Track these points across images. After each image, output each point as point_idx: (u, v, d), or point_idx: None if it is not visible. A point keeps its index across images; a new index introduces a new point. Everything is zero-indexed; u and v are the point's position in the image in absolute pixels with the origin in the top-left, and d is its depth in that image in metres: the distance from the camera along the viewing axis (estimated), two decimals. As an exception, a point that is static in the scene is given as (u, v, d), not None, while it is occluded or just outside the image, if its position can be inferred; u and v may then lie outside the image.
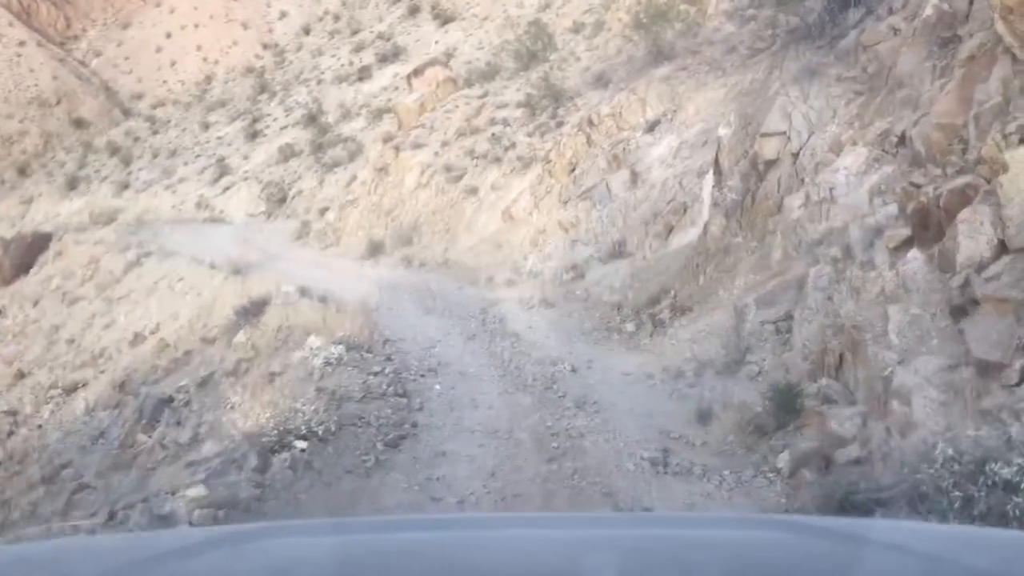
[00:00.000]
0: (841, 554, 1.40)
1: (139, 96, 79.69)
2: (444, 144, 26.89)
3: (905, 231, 9.95)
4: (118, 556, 1.50)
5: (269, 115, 60.83)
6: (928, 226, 9.62)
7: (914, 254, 9.64)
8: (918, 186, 10.13)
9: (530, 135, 25.73)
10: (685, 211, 18.05)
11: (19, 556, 1.59)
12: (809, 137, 14.56)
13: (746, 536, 1.57)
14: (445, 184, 25.53)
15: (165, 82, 79.58)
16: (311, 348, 12.71)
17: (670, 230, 18.14)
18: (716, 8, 23.91)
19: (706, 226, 16.23)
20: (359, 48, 62.56)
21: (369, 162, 29.05)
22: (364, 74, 57.68)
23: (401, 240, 25.17)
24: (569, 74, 28.05)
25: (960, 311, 8.41)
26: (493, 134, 26.39)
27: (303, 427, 9.00)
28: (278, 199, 44.66)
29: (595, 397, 11.62)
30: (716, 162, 17.37)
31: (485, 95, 28.87)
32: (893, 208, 10.63)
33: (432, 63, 30.67)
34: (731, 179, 15.99)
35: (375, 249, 25.40)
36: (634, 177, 20.11)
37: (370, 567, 1.40)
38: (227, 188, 50.75)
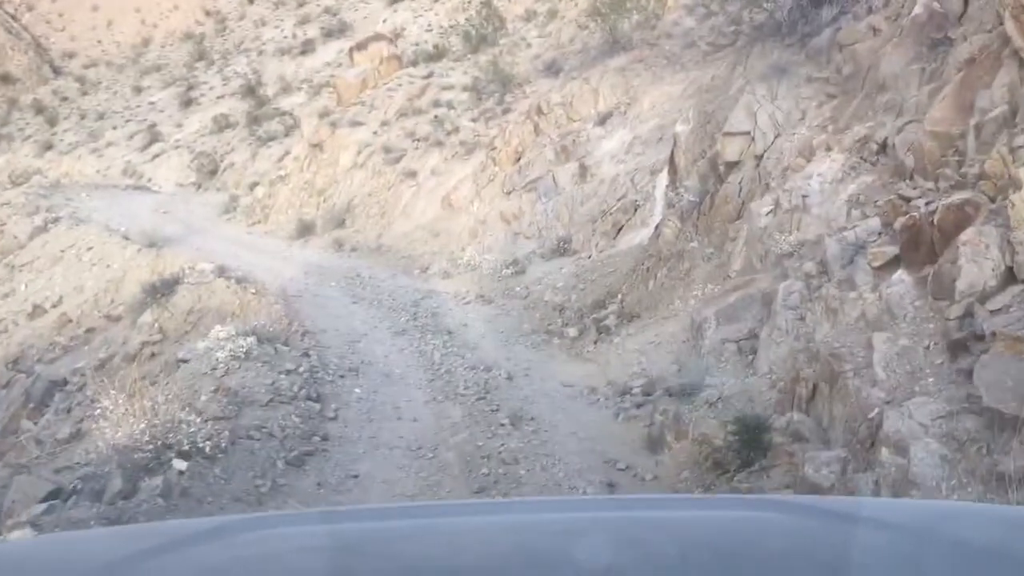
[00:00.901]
0: (834, 532, 1.37)
1: (71, 55, 75.93)
2: (384, 124, 25.26)
3: (891, 249, 8.77)
4: (112, 549, 1.46)
5: (205, 83, 58.19)
6: (919, 245, 8.45)
7: (901, 276, 8.46)
8: (907, 199, 8.96)
9: (475, 120, 24.25)
10: (636, 210, 16.80)
11: (10, 551, 1.59)
12: (775, 139, 13.39)
13: (739, 516, 1.53)
14: (383, 165, 23.92)
15: (99, 42, 75.98)
16: (217, 338, 11.11)
17: (619, 229, 16.87)
18: (676, 1, 22.69)
19: (658, 228, 14.99)
20: (304, 21, 60.22)
21: (304, 137, 27.29)
22: (307, 48, 55.43)
23: (333, 222, 23.51)
24: (519, 60, 26.63)
25: (960, 347, 7.23)
26: (436, 116, 24.85)
27: (187, 441, 7.45)
28: (209, 170, 42.48)
29: (532, 412, 10.27)
30: (671, 160, 16.15)
31: (430, 75, 27.28)
32: (875, 222, 9.45)
33: (377, 38, 28.96)
34: (688, 179, 14.77)
35: (305, 229, 23.69)
36: (583, 171, 18.81)
37: (362, 555, 1.35)
38: (157, 156, 48.30)
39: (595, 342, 13.27)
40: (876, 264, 8.77)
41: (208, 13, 73.15)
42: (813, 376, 8.31)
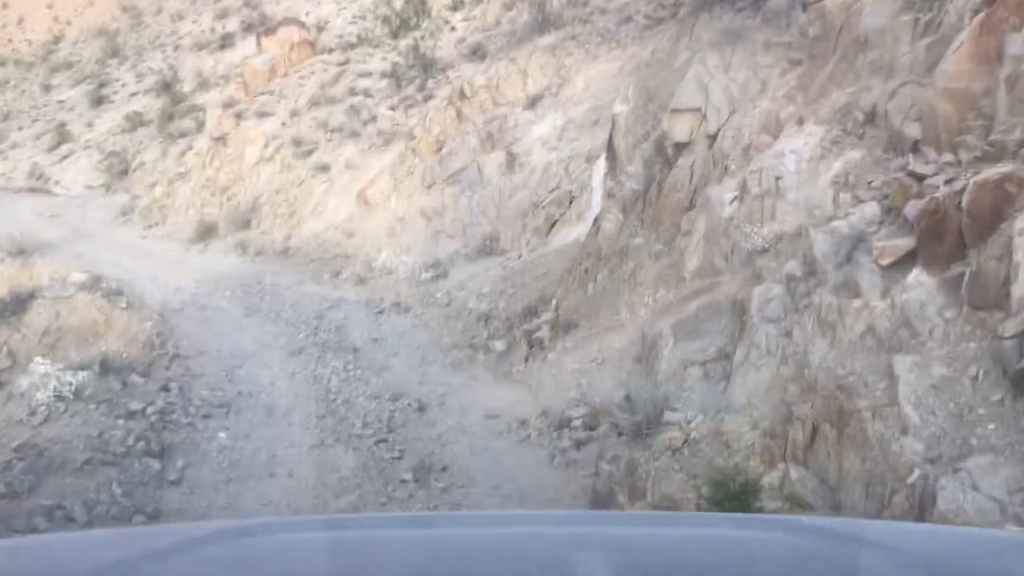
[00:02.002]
0: (839, 554, 1.34)
1: (-21, 53, 70.92)
2: (294, 114, 22.62)
3: (903, 242, 6.58)
4: (113, 551, 1.43)
5: (118, 80, 54.46)
6: (941, 236, 6.27)
7: (919, 276, 6.27)
8: (919, 177, 6.78)
9: (394, 108, 21.74)
10: (571, 202, 14.52)
11: (12, 550, 1.55)
12: (731, 115, 11.21)
13: (743, 535, 1.49)
14: (292, 159, 21.29)
15: (10, 40, 71.40)
16: (39, 374, 8.50)
17: (552, 224, 14.57)
18: (609, -25, 20.44)
19: (597, 222, 12.73)
20: (223, 15, 56.72)
21: (206, 131, 24.52)
22: (226, 42, 51.99)
23: (237, 222, 20.80)
24: (442, 44, 24.17)
25: (1028, 379, 5.05)
26: (352, 105, 22.28)
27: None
28: (119, 171, 39.20)
29: (445, 458, 7.92)
30: (610, 145, 13.89)
31: (346, 62, 24.69)
32: (872, 208, 7.26)
33: (287, 22, 26.21)
34: (630, 165, 12.51)
35: (206, 232, 20.94)
36: (511, 159, 16.47)
37: (364, 563, 1.35)
38: (65, 157, 44.74)
39: (526, 359, 10.96)
40: (885, 262, 6.58)
41: (124, 9, 69.23)
42: (811, 414, 6.07)
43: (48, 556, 1.45)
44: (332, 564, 1.35)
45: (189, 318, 13.43)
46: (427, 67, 22.69)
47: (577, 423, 8.53)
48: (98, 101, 51.63)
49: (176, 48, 54.82)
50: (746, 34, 11.90)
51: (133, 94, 50.81)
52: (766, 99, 10.65)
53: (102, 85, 54.18)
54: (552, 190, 14.96)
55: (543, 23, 19.53)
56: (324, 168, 20.65)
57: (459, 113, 18.41)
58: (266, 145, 22.06)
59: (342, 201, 19.56)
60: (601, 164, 14.22)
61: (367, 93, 22.82)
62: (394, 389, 10.04)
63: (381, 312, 14.28)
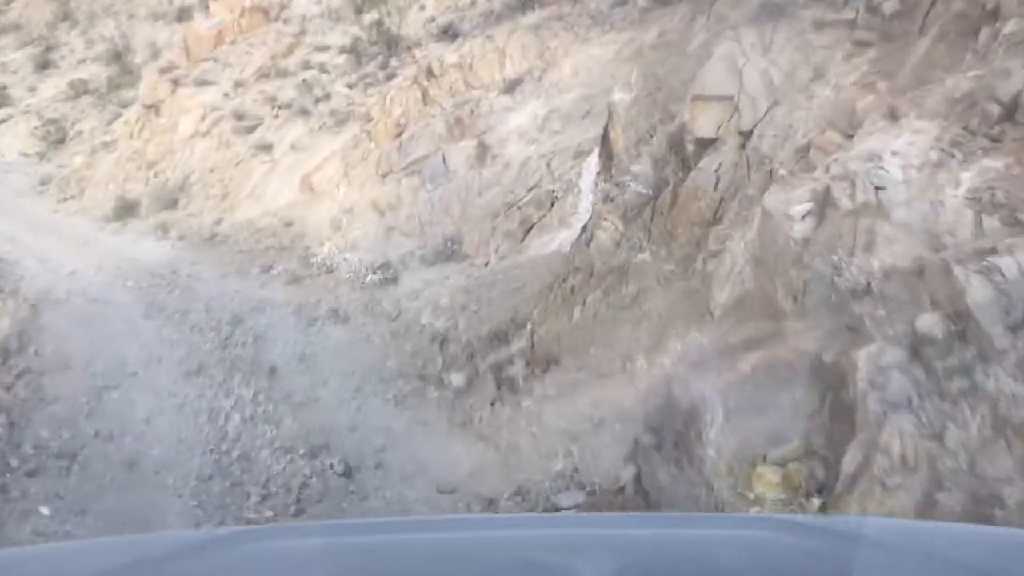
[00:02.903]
0: (837, 552, 1.30)
1: (-75, 8, 65.90)
2: (239, 85, 19.49)
3: None
4: (107, 560, 1.39)
5: (67, 45, 50.13)
6: None
7: None
8: None
9: (351, 86, 18.73)
10: (553, 205, 11.71)
11: (11, 559, 1.49)
12: (772, 107, 8.51)
13: (741, 535, 1.47)
14: (232, 135, 18.16)
15: (-41, -2, 66.23)
16: None
17: (528, 229, 11.75)
18: (601, -44, 17.68)
19: (588, 229, 9.95)
20: (183, -14, 52.69)
21: (138, 98, 21.27)
22: (183, 15, 47.94)
23: (162, 201, 17.62)
24: (410, 21, 21.19)
25: None
26: (304, 80, 19.21)
27: None
28: (56, 139, 35.48)
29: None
30: (605, 140, 11.14)
31: (302, 33, 21.61)
32: (1050, 241, 4.58)
33: (239, -17, 23.04)
34: (636, 163, 9.75)
35: (126, 209, 17.72)
36: (483, 151, 13.61)
37: (359, 569, 1.32)
38: (2, 121, 40.79)
39: (492, 403, 8.14)
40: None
41: (82, -26, 64.85)
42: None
43: (43, 566, 1.37)
44: (327, 570, 1.27)
45: (71, 314, 10.37)
46: (391, 44, 19.72)
47: (570, 512, 5.70)
48: (43, 66, 47.43)
49: (131, 17, 50.86)
50: (790, 10, 9.22)
51: (81, 61, 46.68)
52: (827, 87, 7.96)
53: (49, 49, 49.92)
54: (530, 189, 12.15)
55: (526, 2, 16.71)
56: (266, 147, 17.58)
57: (425, 94, 15.51)
58: (203, 117, 18.89)
59: (283, 186, 16.52)
60: (592, 162, 11.45)
61: (323, 68, 19.76)
62: (315, 437, 7.17)
63: (314, 321, 11.34)
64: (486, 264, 11.70)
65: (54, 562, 1.44)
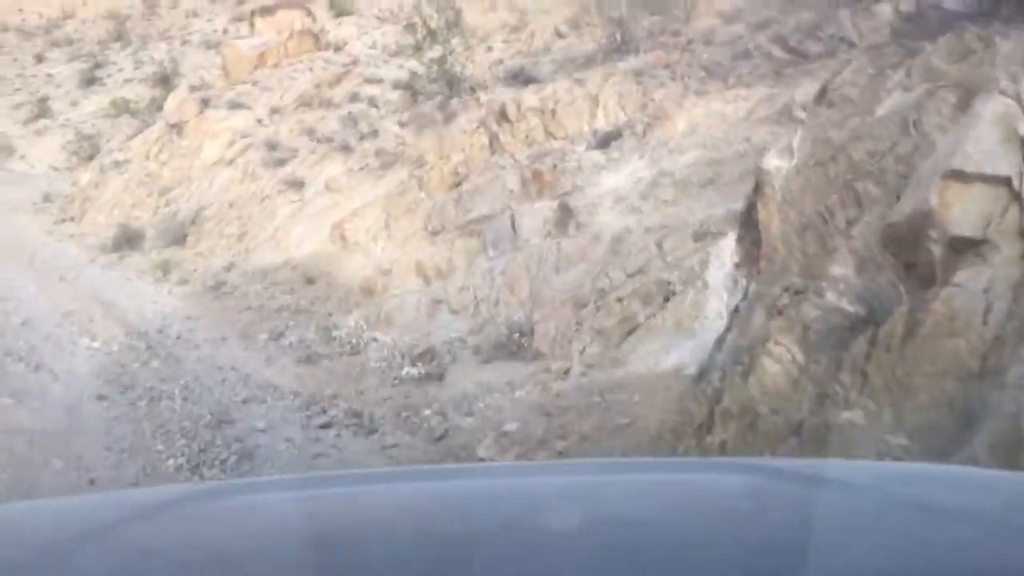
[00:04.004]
0: (798, 494, 1.30)
1: (-12, 17, 64.44)
2: (275, 112, 16.39)
3: None
4: (88, 516, 1.33)
5: (115, 64, 47.89)
6: None
7: None
8: None
9: (403, 125, 15.56)
10: (667, 300, 8.25)
11: None
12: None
13: (705, 479, 1.46)
14: (259, 167, 14.96)
15: (21, 10, 64.88)
16: None
17: (631, 330, 8.26)
18: (708, 6, 14.47)
19: (738, 352, 6.49)
20: (239, 18, 50.39)
21: (163, 115, 18.23)
22: (236, 44, 45.57)
23: (169, 234, 14.37)
24: (476, 63, 18.09)
25: None
26: (350, 113, 16.08)
27: None
28: (87, 156, 32.73)
29: None
30: (748, 219, 7.73)
31: (354, 63, 18.59)
32: None
33: (290, 3, 20.05)
34: (832, 265, 6.31)
35: (127, 240, 14.49)
36: (565, 215, 10.24)
37: (340, 520, 1.26)
38: (40, 132, 38.23)
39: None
40: None
41: (143, -1, 63.25)
42: None
43: (14, 524, 1.30)
44: (308, 522, 1.23)
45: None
46: (453, 84, 16.61)
47: None
48: (89, 82, 45.11)
49: (184, 43, 48.64)
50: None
51: (127, 80, 44.20)
52: None
53: (97, 66, 47.67)
54: (632, 274, 8.71)
55: (621, 45, 13.52)
56: (297, 184, 14.34)
57: (493, 141, 12.23)
58: (231, 144, 15.73)
59: (310, 231, 13.23)
60: (727, 248, 8.04)
61: (372, 102, 16.63)
62: None
63: (327, 426, 7.88)
64: (566, 372, 8.22)
65: (36, 518, 1.32)
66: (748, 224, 7.93)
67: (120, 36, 50.95)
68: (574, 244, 9.81)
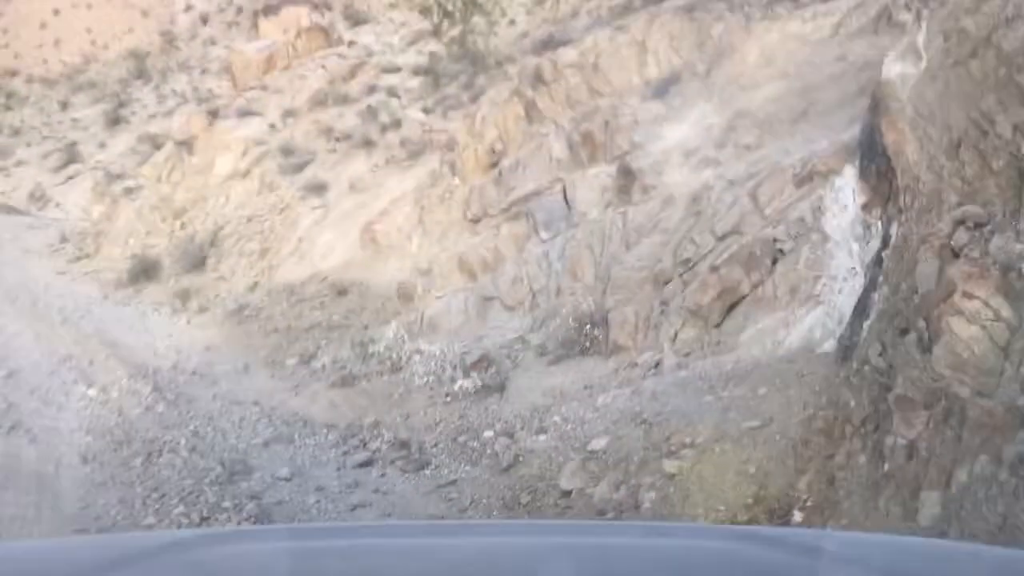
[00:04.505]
0: (797, 565, 1.25)
1: (14, 73, 64.36)
2: (289, 115, 14.89)
3: None
4: (70, 561, 1.28)
5: (139, 101, 47.06)
6: None
7: None
8: None
9: (428, 111, 13.95)
10: (775, 263, 6.46)
11: None
12: None
13: (704, 546, 1.38)
14: (276, 175, 13.44)
15: (45, 61, 64.60)
16: None
17: (731, 306, 6.49)
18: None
19: (869, 308, 4.69)
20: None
21: (172, 134, 16.86)
22: (255, 66, 44.26)
23: (187, 260, 12.91)
24: (499, 39, 16.40)
25: None
26: (369, 107, 14.49)
27: None
28: (118, 194, 31.75)
29: None
30: (871, 145, 5.96)
31: (368, 55, 17.04)
32: None
33: (294, 0, 18.50)
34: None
35: (143, 271, 13.07)
36: (627, 180, 8.48)
37: (326, 572, 1.23)
38: (71, 177, 37.48)
39: None
40: None
41: (162, 34, 62.79)
42: None
43: (2, 564, 1.25)
44: (292, 573, 1.20)
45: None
46: (477, 61, 14.98)
47: None
48: (115, 121, 44.34)
49: (203, 72, 47.76)
50: None
51: (152, 116, 43.32)
52: None
53: (121, 105, 46.96)
54: (724, 236, 6.92)
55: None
56: (318, 189, 12.78)
57: (530, 108, 10.51)
58: (244, 154, 14.25)
59: (338, 237, 11.66)
60: (847, 188, 6.22)
61: (392, 92, 15.03)
62: None
63: (368, 464, 6.26)
64: (656, 365, 6.47)
65: (15, 563, 1.26)
66: (871, 153, 6.14)
67: (141, 73, 50.25)
68: (643, 211, 8.04)
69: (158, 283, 12.79)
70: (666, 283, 7.09)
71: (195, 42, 58.38)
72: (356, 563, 1.25)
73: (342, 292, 10.49)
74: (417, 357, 7.99)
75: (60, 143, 43.59)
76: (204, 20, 61.17)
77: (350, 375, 8.31)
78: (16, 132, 46.99)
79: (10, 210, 31.07)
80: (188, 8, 70.57)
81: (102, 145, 43.05)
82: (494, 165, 10.63)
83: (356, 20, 25.47)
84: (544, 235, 8.93)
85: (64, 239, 17.25)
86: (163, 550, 1.32)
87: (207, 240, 13.25)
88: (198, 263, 12.95)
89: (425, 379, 7.71)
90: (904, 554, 1.36)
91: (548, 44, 14.31)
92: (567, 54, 10.34)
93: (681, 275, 6.95)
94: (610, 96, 9.89)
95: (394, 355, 8.21)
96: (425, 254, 10.23)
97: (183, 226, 13.89)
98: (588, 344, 7.23)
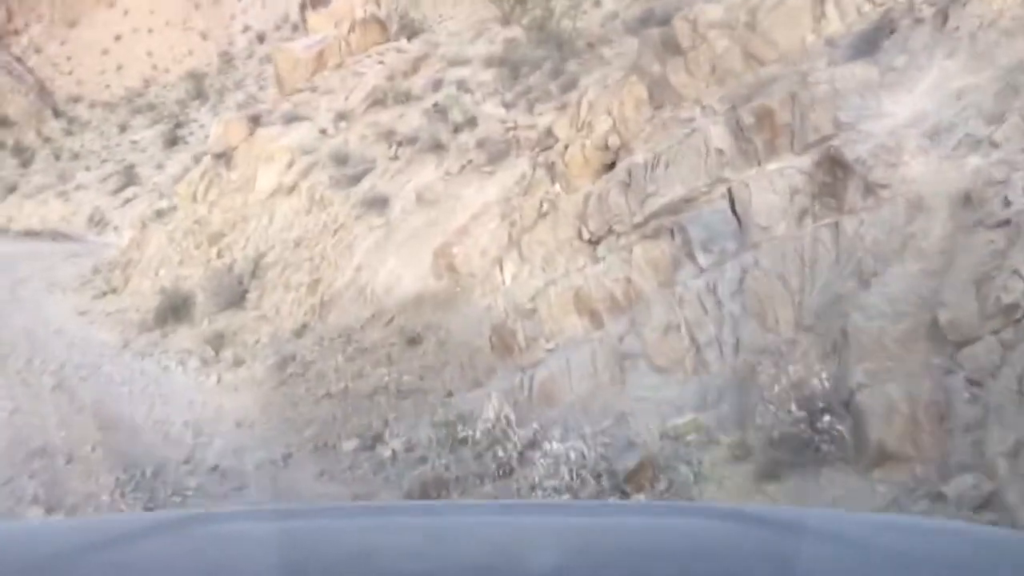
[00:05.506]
0: (780, 543, 1.22)
1: (77, 99, 64.00)
2: (342, 118, 12.21)
3: None
4: (62, 540, 1.21)
5: (196, 121, 45.57)
6: None
7: None
8: None
9: (508, 105, 11.11)
10: None
11: None
12: None
13: (686, 524, 1.36)
14: (328, 189, 10.73)
15: (108, 87, 64.01)
16: None
17: None
18: None
19: None
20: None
21: (208, 145, 14.38)
22: (311, 81, 41.99)
23: (224, 294, 10.29)
24: (586, 20, 13.49)
25: None
26: (435, 104, 11.72)
27: None
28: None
29: None
30: None
31: (435, 47, 14.30)
32: None
33: (347, -11, 15.86)
34: None
35: (172, 309, 10.50)
36: (839, 175, 5.50)
37: (313, 552, 1.17)
38: (129, 200, 35.83)
39: None
40: None
41: (220, 55, 61.63)
42: None
43: None
44: (280, 553, 1.15)
45: None
46: (562, 46, 12.11)
47: None
48: (172, 142, 42.78)
49: (260, 88, 45.98)
50: None
51: (208, 136, 41.37)
52: None
53: (178, 126, 45.43)
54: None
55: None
56: (378, 203, 10.03)
57: (657, 87, 7.57)
58: (290, 165, 11.59)
59: (406, 265, 8.86)
60: None
61: (462, 86, 12.22)
62: None
63: None
64: (984, 502, 3.47)
65: (8, 541, 1.23)
66: None
67: (199, 93, 48.78)
68: (876, 223, 5.05)
69: (189, 324, 10.19)
70: (962, 344, 4.08)
71: (251, 61, 56.90)
72: (345, 542, 1.19)
73: (414, 340, 7.68)
74: (536, 455, 5.10)
75: (119, 166, 42.01)
76: (261, 39, 59.81)
77: (434, 474, 5.47)
78: (76, 156, 45.76)
79: (58, 236, 29.10)
80: (246, 29, 69.54)
81: (159, 167, 41.28)
82: (610, 165, 7.73)
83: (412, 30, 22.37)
84: (703, 260, 5.99)
85: (96, 270, 14.86)
86: (149, 531, 1.24)
87: (247, 270, 10.62)
88: (236, 299, 10.32)
89: (551, 489, 4.81)
90: (888, 531, 1.33)
91: (649, 20, 11.39)
92: (711, 12, 7.36)
93: (997, 332, 3.94)
94: (775, 63, 6.91)
95: (500, 449, 5.34)
96: (524, 287, 7.36)
97: (220, 254, 11.28)
98: (823, 445, 4.25)
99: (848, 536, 1.25)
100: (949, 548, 1.22)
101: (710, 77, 7.22)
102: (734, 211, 6.02)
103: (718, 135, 6.32)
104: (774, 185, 5.84)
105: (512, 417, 5.73)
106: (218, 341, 9.33)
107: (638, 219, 6.55)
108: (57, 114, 58.78)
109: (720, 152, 6.25)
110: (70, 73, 64.25)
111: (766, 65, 6.96)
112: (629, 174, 6.78)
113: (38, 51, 65.04)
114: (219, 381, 8.29)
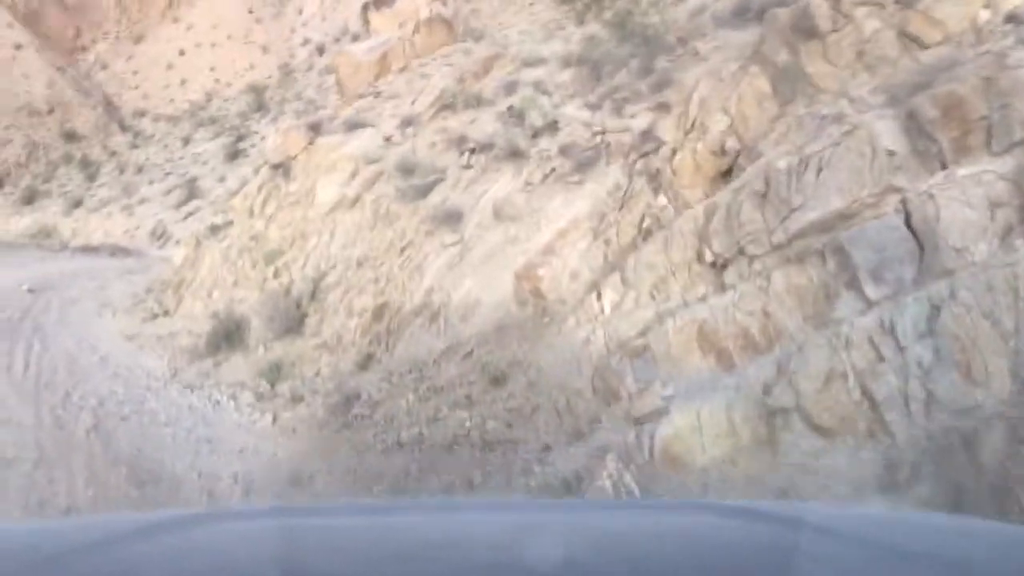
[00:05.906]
0: (780, 538, 1.21)
1: (142, 113, 64.95)
2: (408, 124, 11.18)
3: None
4: (57, 541, 1.19)
5: (257, 133, 45.36)
6: None
7: None
8: None
9: (593, 108, 9.91)
10: None
11: None
12: None
13: (685, 521, 1.36)
14: (395, 202, 9.68)
15: (172, 100, 64.87)
16: None
17: None
18: None
19: None
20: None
21: (266, 158, 13.47)
22: (372, 91, 41.36)
23: (281, 319, 9.30)
24: (673, 14, 12.24)
25: None
26: (511, 108, 10.60)
27: None
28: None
29: None
30: None
31: (505, 48, 13.19)
32: None
33: (411, -12, 14.88)
34: None
35: (226, 335, 9.54)
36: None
37: (313, 552, 1.15)
38: (191, 214, 35.63)
39: None
40: None
41: (281, 67, 61.87)
42: None
43: None
44: (280, 553, 1.13)
45: None
46: (650, 41, 10.88)
47: None
48: (233, 155, 42.59)
49: (321, 98, 45.78)
50: None
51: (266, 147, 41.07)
52: None
53: (240, 138, 45.28)
54: None
55: None
56: (451, 218, 8.92)
57: (785, 81, 6.30)
58: (353, 176, 10.56)
59: (484, 288, 7.72)
60: None
61: (539, 88, 11.07)
62: None
63: None
64: None
65: (3, 542, 1.21)
66: None
67: (260, 106, 48.76)
68: None
69: (243, 352, 9.21)
70: None
71: (311, 72, 56.81)
72: (345, 542, 1.18)
73: (498, 379, 6.51)
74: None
75: (181, 179, 41.90)
76: (320, 51, 59.79)
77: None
78: (140, 170, 45.91)
79: (116, 251, 28.74)
80: (306, 42, 69.70)
81: (222, 179, 41.04)
82: (727, 172, 6.49)
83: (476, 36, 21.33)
84: (872, 292, 4.70)
85: (149, 290, 14.08)
86: (149, 531, 1.22)
87: (306, 291, 9.61)
88: (294, 324, 9.31)
89: None
90: (887, 526, 1.33)
91: (745, 13, 10.16)
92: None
93: None
94: (940, 45, 5.59)
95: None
96: (629, 318, 6.14)
97: (276, 273, 10.30)
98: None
99: (847, 532, 1.23)
100: (948, 544, 1.20)
101: (856, 64, 5.93)
102: (910, 228, 4.74)
103: (888, 132, 5.03)
104: (967, 195, 4.54)
105: (629, 481, 4.53)
106: (274, 373, 8.32)
107: (779, 238, 5.29)
108: (123, 128, 59.63)
109: (891, 154, 4.96)
110: (136, 87, 65.24)
111: (929, 48, 5.66)
112: (766, 183, 5.52)
113: (105, 67, 66.22)
114: (275, 421, 7.25)
